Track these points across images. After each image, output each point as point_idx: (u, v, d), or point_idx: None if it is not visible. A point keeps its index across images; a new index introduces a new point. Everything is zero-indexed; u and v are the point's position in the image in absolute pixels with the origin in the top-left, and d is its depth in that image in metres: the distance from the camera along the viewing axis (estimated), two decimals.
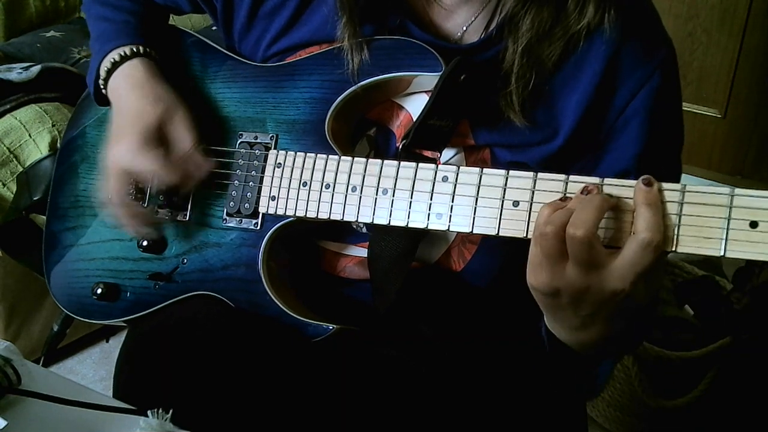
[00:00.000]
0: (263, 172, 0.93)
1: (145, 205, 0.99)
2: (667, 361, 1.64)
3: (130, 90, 0.97)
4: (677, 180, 0.82)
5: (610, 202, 0.69)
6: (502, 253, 0.94)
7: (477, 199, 0.78)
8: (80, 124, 1.12)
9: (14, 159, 1.66)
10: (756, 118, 2.30)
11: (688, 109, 2.35)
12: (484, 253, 0.94)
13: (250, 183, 0.94)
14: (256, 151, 0.95)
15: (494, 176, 0.78)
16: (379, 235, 0.91)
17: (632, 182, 0.71)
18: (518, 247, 0.90)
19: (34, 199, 1.51)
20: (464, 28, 0.90)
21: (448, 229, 0.80)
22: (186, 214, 0.99)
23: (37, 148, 1.67)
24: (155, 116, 0.94)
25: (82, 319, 1.07)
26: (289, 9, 0.94)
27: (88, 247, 1.06)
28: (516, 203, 0.76)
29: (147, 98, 0.95)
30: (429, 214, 0.81)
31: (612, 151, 0.89)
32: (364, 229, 0.96)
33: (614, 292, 0.69)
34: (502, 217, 0.77)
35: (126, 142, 0.93)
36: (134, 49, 0.99)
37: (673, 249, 0.68)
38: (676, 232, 0.68)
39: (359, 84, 0.89)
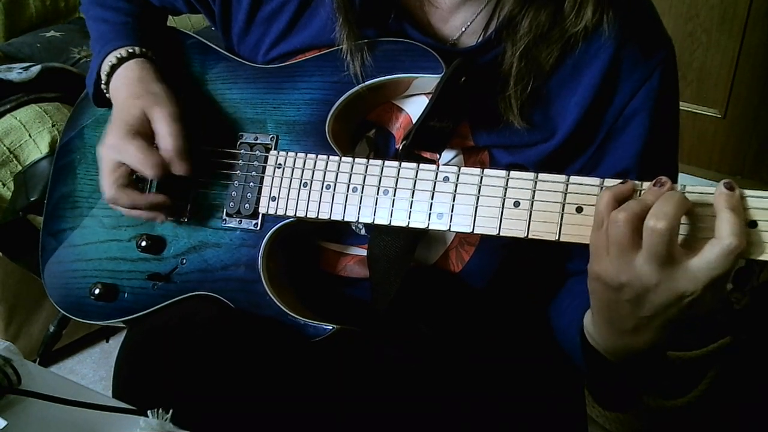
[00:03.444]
0: (263, 172, 0.93)
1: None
2: (667, 361, 1.64)
3: (122, 90, 0.97)
4: (674, 179, 0.82)
5: (689, 202, 0.67)
6: (500, 255, 0.94)
7: (478, 200, 0.78)
8: (78, 125, 1.12)
9: (14, 159, 1.66)
10: (756, 118, 2.30)
11: (688, 109, 2.35)
12: (482, 254, 0.94)
13: (251, 183, 0.94)
14: (257, 151, 0.95)
15: (495, 177, 0.78)
16: (378, 235, 0.91)
17: (633, 183, 0.71)
18: (516, 249, 0.90)
19: (32, 199, 1.51)
20: (462, 30, 0.90)
21: (449, 229, 0.80)
22: (185, 215, 0.98)
23: (37, 148, 1.67)
24: (137, 108, 0.94)
25: (79, 319, 1.07)
26: (288, 14, 0.94)
27: (86, 248, 1.05)
28: (517, 203, 0.76)
29: (133, 94, 0.95)
30: (430, 214, 0.81)
31: (612, 151, 0.89)
32: (363, 231, 0.96)
33: (683, 293, 0.66)
34: (503, 217, 0.77)
35: (112, 135, 0.93)
36: (130, 51, 1.00)
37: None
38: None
39: (361, 85, 0.89)
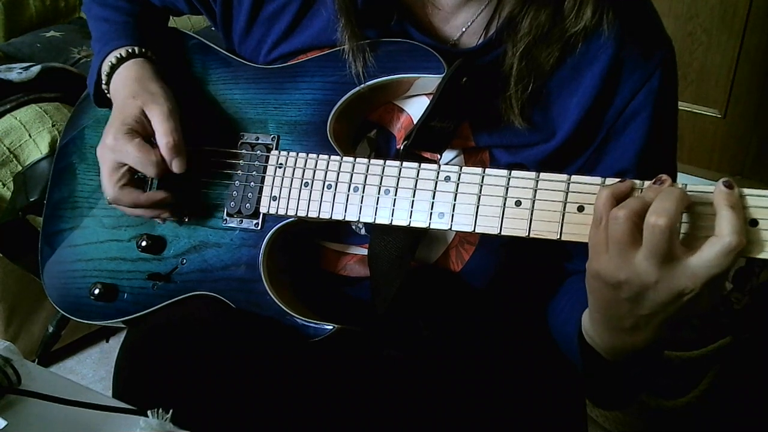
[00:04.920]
0: (264, 172, 0.93)
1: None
2: (667, 361, 1.64)
3: (122, 89, 0.98)
4: (674, 179, 0.82)
5: (689, 198, 0.67)
6: (500, 255, 0.94)
7: (479, 199, 0.78)
8: (78, 125, 1.12)
9: (14, 159, 1.66)
10: (756, 118, 2.30)
11: (688, 109, 2.35)
12: (482, 254, 0.94)
13: (251, 183, 0.94)
14: (258, 151, 0.95)
15: (496, 176, 0.78)
16: (379, 235, 0.91)
17: (634, 182, 0.71)
18: (516, 248, 0.90)
19: (31, 200, 1.51)
20: (463, 30, 0.90)
21: (450, 228, 0.80)
22: (186, 215, 0.98)
23: (37, 148, 1.67)
24: (134, 107, 0.94)
25: (78, 320, 1.07)
26: (290, 14, 0.94)
27: (86, 248, 1.05)
28: (518, 203, 0.76)
29: (130, 94, 0.95)
30: (431, 214, 0.81)
31: (612, 151, 0.89)
32: (363, 231, 0.96)
33: (682, 291, 0.66)
34: (505, 216, 0.77)
35: (110, 135, 0.93)
36: (130, 51, 1.00)
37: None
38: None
39: (363, 85, 0.89)
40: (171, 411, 0.71)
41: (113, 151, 0.93)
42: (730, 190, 0.65)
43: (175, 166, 0.93)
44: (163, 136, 0.93)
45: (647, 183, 0.70)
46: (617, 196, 0.69)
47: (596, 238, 0.69)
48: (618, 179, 0.71)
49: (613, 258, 0.68)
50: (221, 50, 1.02)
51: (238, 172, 0.96)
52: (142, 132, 0.93)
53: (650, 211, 0.65)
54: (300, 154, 0.91)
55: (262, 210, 0.93)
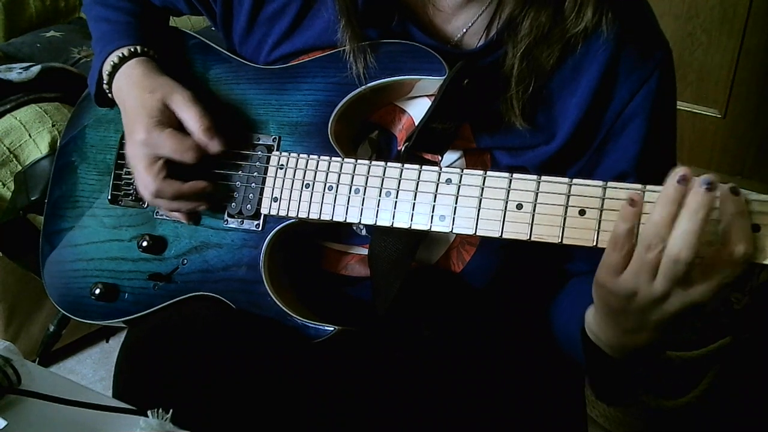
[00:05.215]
0: (266, 173, 0.93)
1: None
2: (668, 361, 1.64)
3: (130, 89, 0.97)
4: None
5: (710, 210, 0.65)
6: (501, 255, 0.94)
7: (480, 202, 0.78)
8: (79, 125, 1.12)
9: (14, 159, 1.66)
10: (756, 118, 2.30)
11: (688, 109, 2.35)
12: (482, 254, 0.94)
13: (253, 184, 0.94)
14: (259, 152, 0.95)
15: (498, 179, 0.78)
16: (379, 236, 0.91)
17: (636, 186, 0.70)
18: (517, 249, 0.90)
19: (32, 199, 1.51)
20: (464, 31, 0.90)
21: (451, 231, 0.80)
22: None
23: (37, 148, 1.66)
24: (156, 100, 0.94)
25: (79, 319, 1.07)
26: (290, 14, 0.94)
27: (87, 248, 1.05)
28: (519, 206, 0.76)
29: (145, 90, 0.95)
30: (432, 216, 0.81)
31: (611, 153, 0.89)
32: (364, 231, 0.96)
33: (693, 304, 0.67)
34: (506, 219, 0.77)
35: (138, 131, 0.93)
36: (132, 50, 1.00)
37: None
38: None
39: (364, 86, 0.89)
40: (171, 411, 0.71)
41: (146, 145, 0.93)
42: (737, 196, 0.65)
43: (213, 147, 0.93)
44: (195, 121, 0.93)
45: (650, 187, 0.69)
46: (637, 213, 0.68)
47: (614, 261, 0.69)
48: (625, 185, 0.71)
49: (633, 278, 0.68)
50: (222, 50, 1.02)
51: (239, 172, 0.96)
52: (169, 123, 0.94)
53: (672, 242, 0.65)
54: (301, 156, 0.91)
55: (263, 211, 0.93)
